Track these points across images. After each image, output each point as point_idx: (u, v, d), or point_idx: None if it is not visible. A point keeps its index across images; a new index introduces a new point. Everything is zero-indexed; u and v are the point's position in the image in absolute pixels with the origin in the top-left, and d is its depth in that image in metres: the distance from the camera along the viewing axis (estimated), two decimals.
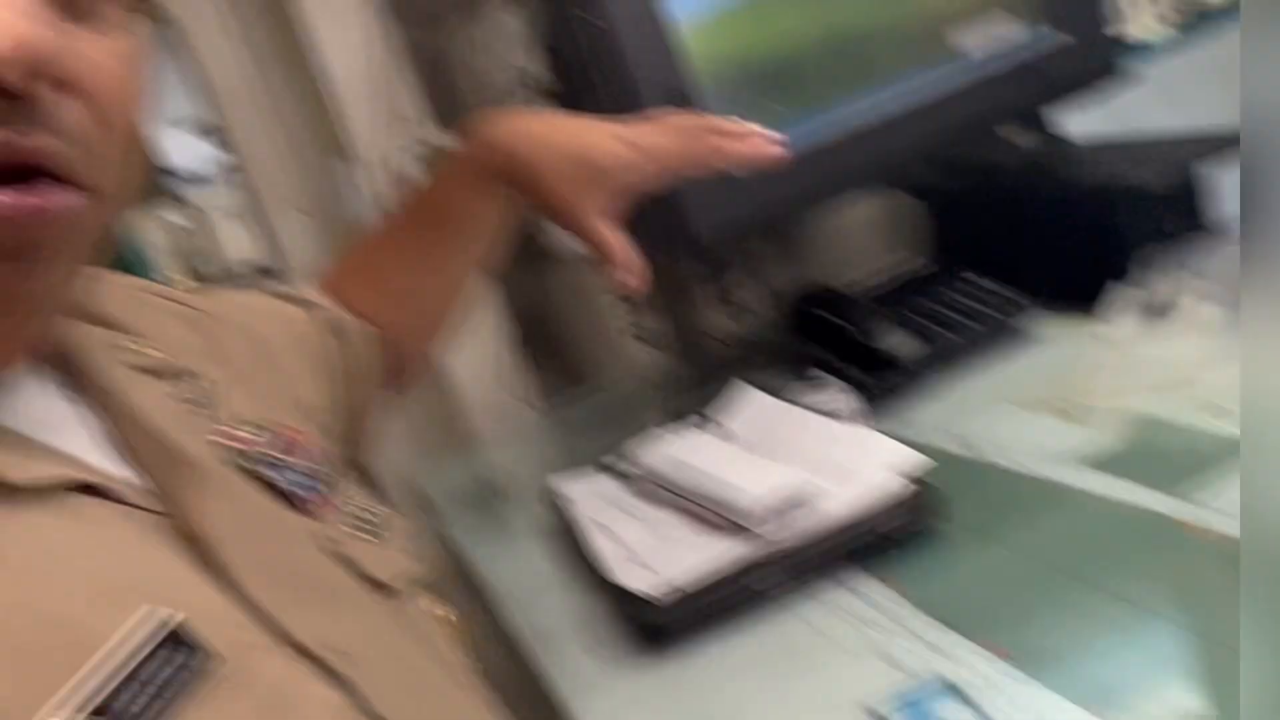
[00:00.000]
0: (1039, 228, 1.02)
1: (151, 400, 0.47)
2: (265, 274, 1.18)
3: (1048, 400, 0.83)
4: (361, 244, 0.77)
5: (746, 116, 0.91)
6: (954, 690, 0.54)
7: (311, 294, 0.72)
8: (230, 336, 0.60)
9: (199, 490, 0.43)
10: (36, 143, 0.36)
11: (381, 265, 0.74)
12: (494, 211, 0.71)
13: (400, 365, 0.75)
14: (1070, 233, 0.98)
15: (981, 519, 0.70)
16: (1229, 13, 1.40)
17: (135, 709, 0.34)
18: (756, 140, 0.69)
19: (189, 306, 0.60)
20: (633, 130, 0.69)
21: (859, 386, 0.95)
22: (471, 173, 0.69)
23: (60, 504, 0.39)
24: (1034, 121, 1.13)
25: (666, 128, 0.70)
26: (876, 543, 0.70)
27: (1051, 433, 0.78)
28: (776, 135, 0.69)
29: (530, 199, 0.69)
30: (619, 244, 0.68)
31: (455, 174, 0.70)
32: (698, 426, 0.92)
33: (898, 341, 0.94)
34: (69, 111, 0.37)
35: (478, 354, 1.20)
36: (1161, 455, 0.70)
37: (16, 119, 0.35)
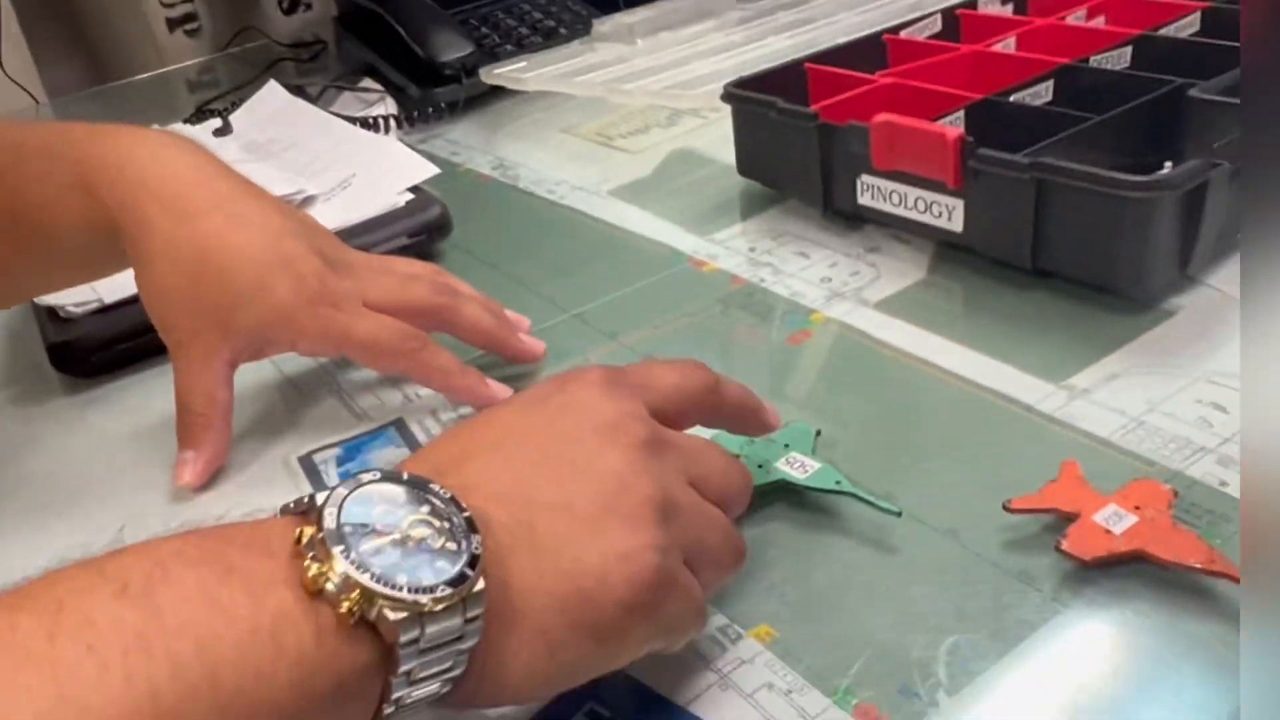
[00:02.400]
0: None
1: None
2: None
3: (595, 128, 0.75)
4: None
5: None
6: (402, 428, 0.46)
7: None
8: None
9: None
10: None
11: None
12: (101, 244, 0.45)
13: None
14: None
15: (489, 243, 0.62)
16: None
17: None
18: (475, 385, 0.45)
19: None
20: (338, 273, 0.44)
21: (404, 97, 0.83)
22: (80, 195, 0.43)
23: None
24: None
25: (399, 294, 0.45)
26: None
27: (589, 160, 0.71)
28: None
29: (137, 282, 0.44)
30: (212, 426, 0.44)
31: (57, 184, 0.44)
32: (210, 125, 0.77)
33: (454, 51, 0.82)
34: None
35: None
36: (689, 193, 0.64)
37: None
